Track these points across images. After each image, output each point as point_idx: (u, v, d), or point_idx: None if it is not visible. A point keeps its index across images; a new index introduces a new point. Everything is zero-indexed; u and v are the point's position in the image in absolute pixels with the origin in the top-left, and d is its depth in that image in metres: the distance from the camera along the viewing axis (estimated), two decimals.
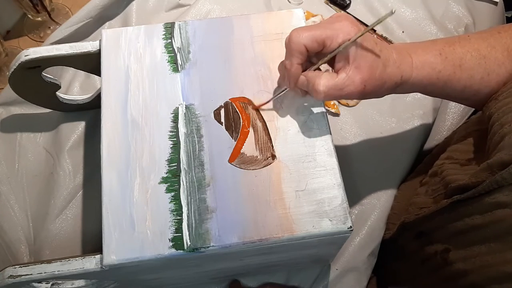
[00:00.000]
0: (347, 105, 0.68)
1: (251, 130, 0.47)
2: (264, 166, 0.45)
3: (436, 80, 0.45)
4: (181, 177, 0.44)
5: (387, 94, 0.45)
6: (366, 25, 0.75)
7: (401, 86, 0.44)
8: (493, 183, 0.39)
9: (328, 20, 0.42)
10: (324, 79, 0.41)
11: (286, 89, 0.46)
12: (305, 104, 0.48)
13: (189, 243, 0.41)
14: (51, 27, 0.76)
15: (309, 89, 0.43)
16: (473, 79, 0.46)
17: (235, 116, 0.47)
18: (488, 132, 0.43)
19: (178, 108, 0.48)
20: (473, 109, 0.70)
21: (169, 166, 0.45)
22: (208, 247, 0.41)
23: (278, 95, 0.47)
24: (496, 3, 0.79)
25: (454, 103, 0.70)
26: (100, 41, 0.51)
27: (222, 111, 0.48)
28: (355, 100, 0.68)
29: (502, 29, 0.47)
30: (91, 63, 0.52)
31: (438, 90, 0.46)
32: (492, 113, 0.44)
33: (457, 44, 0.46)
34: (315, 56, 0.43)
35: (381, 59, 0.42)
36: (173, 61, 0.50)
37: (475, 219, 0.41)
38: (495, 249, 0.39)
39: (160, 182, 0.44)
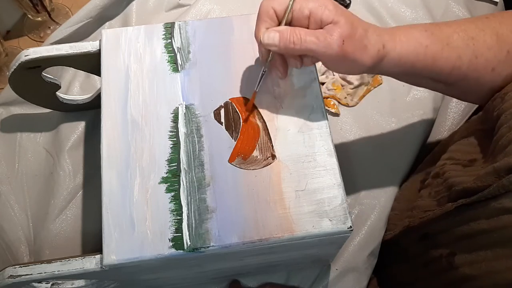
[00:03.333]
0: (347, 105, 0.68)
1: (251, 130, 0.47)
2: (264, 166, 0.45)
3: (424, 55, 0.43)
4: (181, 177, 0.44)
5: (373, 67, 0.43)
6: None
7: (387, 59, 0.43)
8: (500, 188, 0.38)
9: None
10: (298, 29, 0.40)
11: (264, 70, 0.45)
12: (305, 104, 0.48)
13: (189, 243, 0.41)
14: (51, 27, 0.76)
15: (283, 45, 0.40)
16: (461, 60, 0.44)
17: (235, 116, 0.47)
18: (495, 133, 0.43)
19: (178, 108, 0.48)
20: (474, 109, 0.70)
21: (169, 166, 0.45)
22: (208, 247, 0.41)
23: (260, 80, 0.46)
24: (496, 3, 0.79)
25: (455, 102, 0.70)
26: (100, 41, 0.51)
27: (222, 111, 0.48)
28: (355, 100, 0.68)
29: (491, 15, 0.47)
30: (91, 63, 0.52)
31: (427, 71, 0.45)
32: (499, 113, 0.43)
33: (442, 24, 0.46)
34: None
35: (360, 23, 0.41)
36: (173, 61, 0.50)
37: (480, 223, 0.41)
38: (501, 255, 0.39)
39: (160, 182, 0.44)
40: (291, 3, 0.40)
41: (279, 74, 0.45)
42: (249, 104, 0.47)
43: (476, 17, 0.47)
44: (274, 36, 0.40)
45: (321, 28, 0.40)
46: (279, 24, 0.41)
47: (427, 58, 0.44)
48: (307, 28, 0.41)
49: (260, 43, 0.42)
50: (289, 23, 0.42)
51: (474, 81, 0.46)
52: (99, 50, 0.51)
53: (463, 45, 0.44)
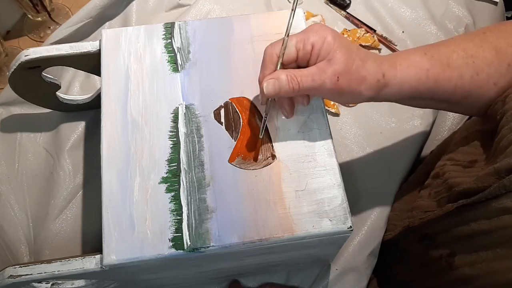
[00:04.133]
0: (347, 105, 0.68)
1: (251, 130, 0.47)
2: (264, 166, 0.45)
3: (426, 79, 0.44)
4: (181, 177, 0.44)
5: (374, 97, 0.43)
6: (366, 25, 0.75)
7: (388, 88, 0.43)
8: (501, 188, 0.38)
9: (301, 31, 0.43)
10: (296, 73, 0.41)
11: (266, 116, 0.44)
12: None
13: (189, 243, 0.41)
14: (51, 27, 0.76)
15: (283, 93, 0.41)
16: (463, 79, 0.44)
17: (235, 116, 0.47)
18: (496, 135, 0.43)
19: (178, 108, 0.48)
20: None
21: (169, 166, 0.45)
22: (208, 247, 0.41)
23: (263, 126, 0.45)
24: (496, 3, 0.79)
25: None
26: (100, 41, 0.51)
27: (222, 111, 0.48)
28: None
29: (487, 29, 0.47)
30: (91, 63, 0.52)
31: (430, 93, 0.45)
32: (501, 115, 0.43)
33: (441, 45, 0.46)
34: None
35: (358, 54, 0.41)
36: (173, 61, 0.50)
37: (481, 224, 0.41)
38: (501, 255, 0.39)
39: (160, 182, 0.44)
40: (286, 38, 0.41)
41: (285, 113, 0.46)
42: (258, 144, 0.46)
43: (472, 32, 0.48)
44: (274, 85, 0.41)
45: (319, 62, 0.41)
46: (277, 66, 0.42)
47: (429, 81, 0.44)
48: (309, 61, 0.42)
49: (262, 91, 0.42)
50: (294, 63, 0.43)
51: (477, 97, 0.46)
52: (99, 50, 0.51)
53: (463, 64, 0.44)
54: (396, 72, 0.43)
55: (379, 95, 0.43)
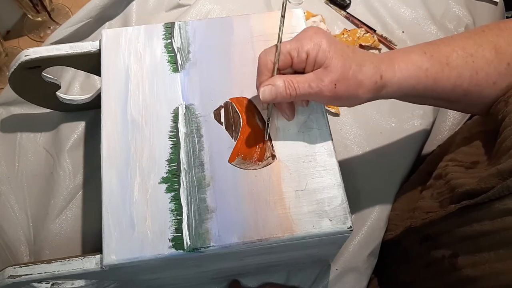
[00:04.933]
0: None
1: (251, 130, 0.47)
2: (264, 166, 0.45)
3: (425, 78, 0.44)
4: (181, 177, 0.44)
5: (373, 98, 0.44)
6: (366, 25, 0.75)
7: (386, 88, 0.43)
8: (504, 189, 0.38)
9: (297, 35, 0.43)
10: (293, 79, 0.41)
11: (269, 119, 0.45)
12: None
13: (189, 243, 0.41)
14: (51, 27, 0.76)
15: (280, 98, 0.42)
16: (462, 78, 0.44)
17: (235, 116, 0.47)
18: (499, 135, 0.43)
19: (178, 108, 0.48)
20: None
21: (169, 166, 0.45)
22: (208, 247, 0.41)
23: (267, 129, 0.46)
24: (496, 3, 0.79)
25: None
26: (100, 41, 0.51)
27: (222, 111, 0.48)
28: None
29: (486, 28, 0.47)
30: (91, 63, 0.52)
31: (429, 91, 0.45)
32: (504, 116, 0.43)
33: (440, 43, 0.46)
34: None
35: (354, 59, 0.41)
36: (173, 61, 0.50)
37: (484, 225, 0.41)
38: (504, 256, 0.39)
39: (160, 182, 0.44)
40: (279, 45, 0.41)
41: (286, 116, 0.47)
42: (261, 146, 0.46)
43: (472, 31, 0.47)
44: (270, 92, 0.41)
45: (316, 68, 0.41)
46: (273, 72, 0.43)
47: (428, 80, 0.44)
48: (305, 68, 0.42)
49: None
50: (290, 68, 0.43)
51: (476, 96, 0.46)
52: (99, 50, 0.51)
53: (462, 63, 0.44)
54: (394, 72, 0.43)
55: (378, 95, 0.44)
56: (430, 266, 0.50)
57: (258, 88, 0.43)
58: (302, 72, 0.43)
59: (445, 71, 0.44)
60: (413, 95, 0.45)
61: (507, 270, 0.38)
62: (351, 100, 0.43)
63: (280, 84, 0.41)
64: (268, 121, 0.45)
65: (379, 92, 0.43)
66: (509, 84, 0.45)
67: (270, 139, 0.46)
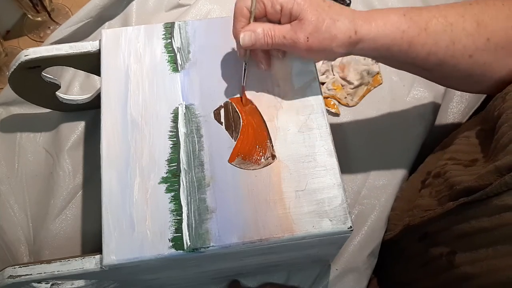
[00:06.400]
0: (347, 105, 0.68)
1: (251, 130, 0.47)
2: (264, 166, 0.45)
3: (401, 40, 0.44)
4: (181, 177, 0.44)
5: (347, 52, 0.44)
6: None
7: (360, 44, 0.44)
8: (502, 186, 0.38)
9: None
10: (271, 28, 0.43)
11: (246, 65, 0.47)
12: (305, 103, 0.48)
13: (189, 243, 0.41)
14: (51, 27, 0.76)
15: (258, 45, 0.44)
16: (438, 46, 0.44)
17: (235, 116, 0.47)
18: (495, 132, 0.43)
19: (178, 108, 0.47)
20: (475, 108, 0.70)
21: (169, 166, 0.45)
22: (208, 247, 0.41)
23: (244, 75, 0.48)
24: None
25: (455, 102, 0.70)
26: (100, 41, 0.51)
27: (222, 111, 0.48)
28: (355, 100, 0.68)
29: (474, 1, 0.47)
30: (91, 63, 0.52)
31: (403, 55, 0.45)
32: (500, 113, 0.43)
33: (423, 9, 0.46)
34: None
35: (329, 13, 0.42)
36: (173, 61, 0.50)
37: (482, 221, 0.41)
38: (502, 252, 0.39)
39: (160, 182, 0.44)
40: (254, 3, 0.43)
41: (262, 66, 0.48)
42: (244, 100, 0.48)
43: (459, 3, 0.47)
44: (249, 37, 0.44)
45: (293, 20, 0.43)
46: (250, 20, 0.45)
47: (403, 43, 0.44)
48: (280, 20, 0.44)
49: (238, 42, 0.45)
50: (264, 17, 0.45)
51: (451, 67, 0.46)
52: (99, 50, 0.51)
53: (440, 31, 0.44)
54: (370, 28, 0.43)
55: (352, 50, 0.45)
56: (428, 264, 0.50)
57: (235, 35, 0.45)
58: (279, 22, 0.44)
59: (422, 36, 0.44)
60: (387, 56, 0.46)
61: (505, 266, 0.38)
62: (326, 53, 0.44)
63: (260, 31, 0.43)
64: (245, 66, 0.47)
65: (353, 47, 0.44)
66: (486, 62, 0.45)
67: (270, 139, 0.46)
